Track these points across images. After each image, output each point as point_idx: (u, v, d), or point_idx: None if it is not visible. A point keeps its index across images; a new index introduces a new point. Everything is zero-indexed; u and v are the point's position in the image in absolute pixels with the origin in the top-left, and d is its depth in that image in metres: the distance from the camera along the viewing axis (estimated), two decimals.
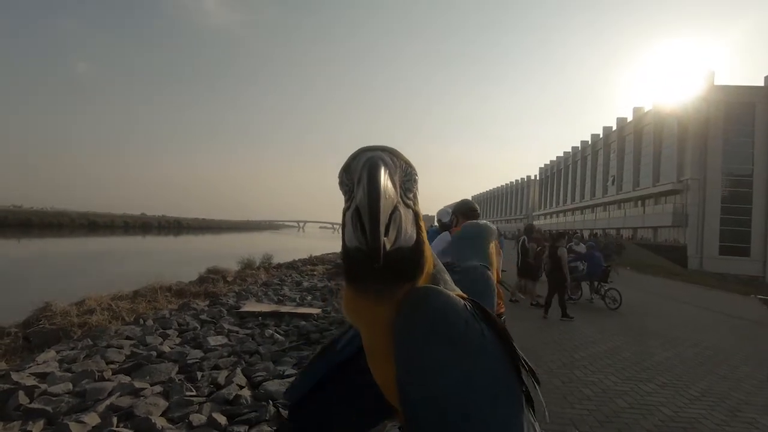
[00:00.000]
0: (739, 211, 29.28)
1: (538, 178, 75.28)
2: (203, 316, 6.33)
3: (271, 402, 3.36)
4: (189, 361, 4.26)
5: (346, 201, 0.64)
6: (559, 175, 61.55)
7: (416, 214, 0.66)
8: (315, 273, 13.26)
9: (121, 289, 8.25)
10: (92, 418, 2.95)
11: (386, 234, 0.56)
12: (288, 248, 28.56)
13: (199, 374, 3.91)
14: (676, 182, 31.87)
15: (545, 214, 65.34)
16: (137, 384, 3.56)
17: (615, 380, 4.41)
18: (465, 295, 0.69)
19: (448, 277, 0.72)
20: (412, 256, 0.64)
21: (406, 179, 0.65)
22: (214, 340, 5.03)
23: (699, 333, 7.21)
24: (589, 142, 50.54)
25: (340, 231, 0.67)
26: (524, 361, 0.67)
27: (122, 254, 25.07)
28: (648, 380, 4.47)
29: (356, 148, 0.65)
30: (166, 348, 4.71)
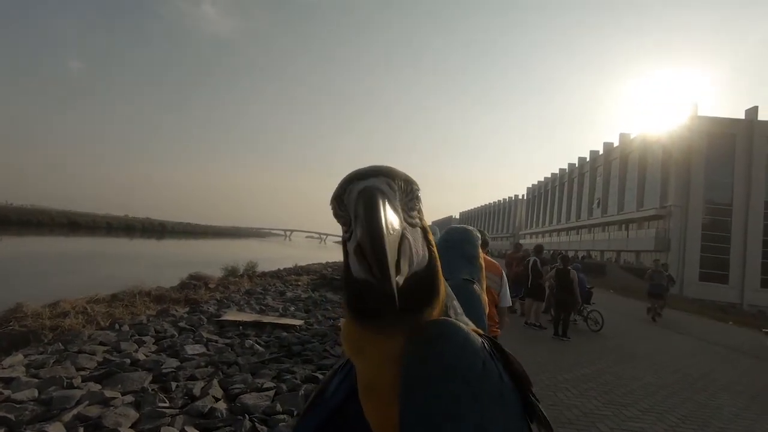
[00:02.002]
0: (718, 238, 29.97)
1: (525, 197, 76.23)
2: (182, 324, 6.16)
3: (247, 416, 3.25)
4: (164, 370, 4.11)
5: (345, 231, 0.58)
6: (546, 195, 62.44)
7: (424, 231, 0.60)
8: (299, 283, 13.09)
9: (99, 292, 8.00)
10: (57, 428, 2.81)
11: (398, 269, 0.50)
12: (273, 257, 28.22)
13: (173, 384, 3.77)
14: (659, 208, 32.56)
15: (532, 234, 65.99)
16: (108, 393, 3.41)
17: (597, 404, 4.39)
18: (480, 330, 0.61)
19: (456, 303, 0.65)
20: (427, 280, 0.58)
21: (408, 198, 0.58)
22: (191, 349, 4.89)
23: (680, 358, 7.26)
24: (576, 165, 51.51)
25: (345, 257, 0.60)
26: (541, 411, 0.61)
27: (102, 256, 24.46)
28: (630, 405, 4.45)
29: (349, 170, 0.58)
30: (141, 355, 4.55)
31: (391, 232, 0.49)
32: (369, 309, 0.56)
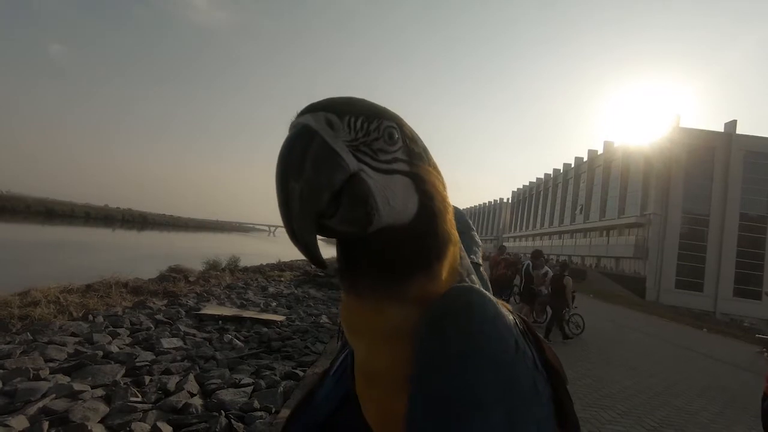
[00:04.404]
0: (695, 248, 30.72)
1: (510, 201, 77.10)
2: (159, 316, 5.99)
3: (223, 412, 3.15)
4: (138, 364, 3.98)
5: None
6: (531, 200, 63.21)
7: (415, 179, 0.48)
8: (282, 279, 12.94)
9: (73, 281, 7.74)
10: (20, 422, 2.66)
11: (334, 215, 0.43)
12: (257, 252, 27.85)
13: (147, 378, 3.64)
14: (639, 216, 33.22)
15: (515, 237, 66.75)
16: (77, 386, 3.27)
17: (576, 407, 4.39)
18: (508, 305, 0.51)
19: (476, 278, 0.53)
20: (414, 236, 0.47)
21: (371, 138, 0.46)
22: (167, 343, 4.74)
23: (657, 364, 7.38)
24: (561, 171, 52.25)
25: None
26: (573, 413, 0.52)
27: (79, 246, 23.79)
28: (608, 408, 4.49)
29: None
30: (114, 348, 4.39)
31: (304, 176, 0.42)
32: (350, 272, 0.47)
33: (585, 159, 46.07)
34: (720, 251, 30.13)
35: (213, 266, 13.98)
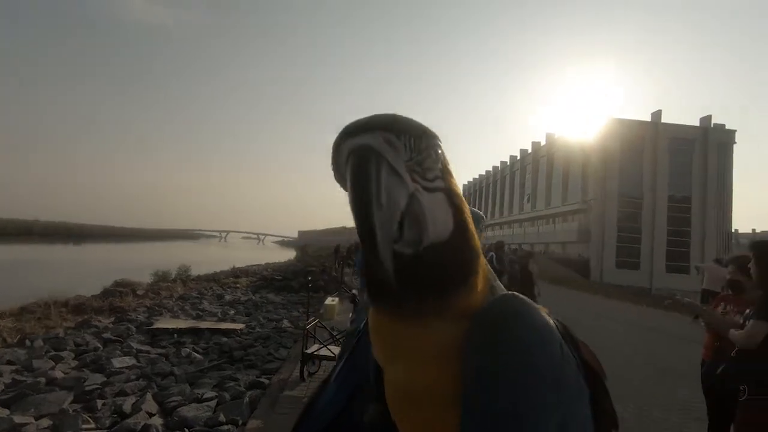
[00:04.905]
0: (631, 229, 33.10)
1: (464, 193, 79.24)
2: (107, 335, 5.63)
3: (186, 430, 3.02)
4: (87, 388, 3.72)
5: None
6: (482, 191, 65.25)
7: (450, 194, 0.48)
8: (238, 285, 12.56)
9: (2, 305, 7.08)
10: None
11: (401, 238, 0.42)
12: (209, 260, 26.77)
13: (99, 402, 3.42)
14: (581, 202, 35.27)
15: None
16: (18, 418, 3.01)
17: None
18: (545, 308, 0.51)
19: (499, 284, 0.54)
20: (453, 253, 0.46)
21: (422, 156, 0.46)
22: (119, 362, 4.47)
23: (608, 339, 7.88)
24: (508, 163, 54.39)
25: None
26: (611, 407, 0.53)
27: (7, 265, 21.75)
28: None
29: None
30: (58, 373, 4.07)
31: (384, 203, 0.41)
32: (390, 291, 0.45)
33: (529, 151, 48.24)
34: (653, 232, 32.66)
35: (162, 277, 13.33)
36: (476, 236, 0.51)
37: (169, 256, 23.92)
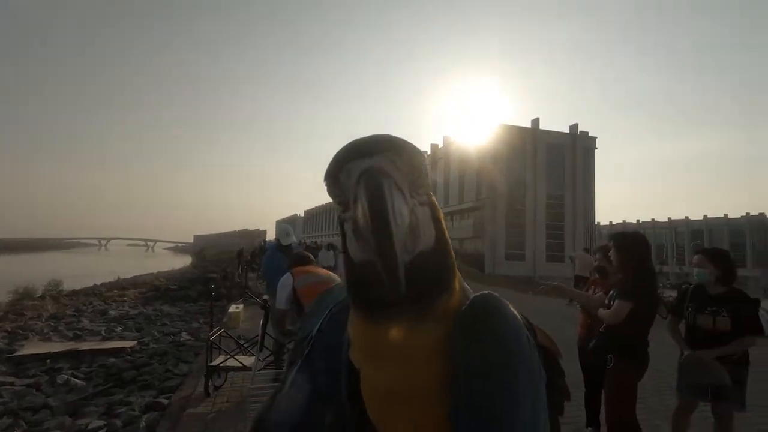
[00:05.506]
0: (516, 225, 36.86)
1: None
2: None
3: None
4: None
5: (342, 210, 0.52)
6: None
7: (432, 207, 0.53)
8: (125, 299, 11.27)
9: None
10: None
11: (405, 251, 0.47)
12: (87, 272, 23.51)
13: None
14: (475, 201, 38.28)
15: None
16: None
17: None
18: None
19: (466, 285, 0.59)
20: (436, 261, 0.51)
21: (416, 175, 0.51)
22: None
23: None
24: None
25: (343, 239, 0.53)
26: (563, 383, 0.62)
27: None
28: None
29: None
30: None
31: (399, 224, 0.45)
32: (375, 299, 0.49)
33: (428, 152, 50.97)
34: (535, 226, 36.73)
35: (25, 295, 11.44)
36: (450, 243, 0.56)
37: (36, 270, 20.51)
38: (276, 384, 3.11)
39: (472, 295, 0.55)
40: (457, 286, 0.55)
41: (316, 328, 0.65)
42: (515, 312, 0.55)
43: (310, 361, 0.63)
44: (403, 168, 0.50)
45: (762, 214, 49.46)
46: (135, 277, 18.74)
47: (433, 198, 0.55)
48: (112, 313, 8.93)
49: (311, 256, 3.42)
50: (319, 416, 0.60)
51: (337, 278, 3.20)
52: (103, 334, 6.76)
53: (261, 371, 3.41)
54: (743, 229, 49.04)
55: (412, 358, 0.51)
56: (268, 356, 3.73)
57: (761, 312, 2.47)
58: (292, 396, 0.62)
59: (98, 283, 15.36)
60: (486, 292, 0.55)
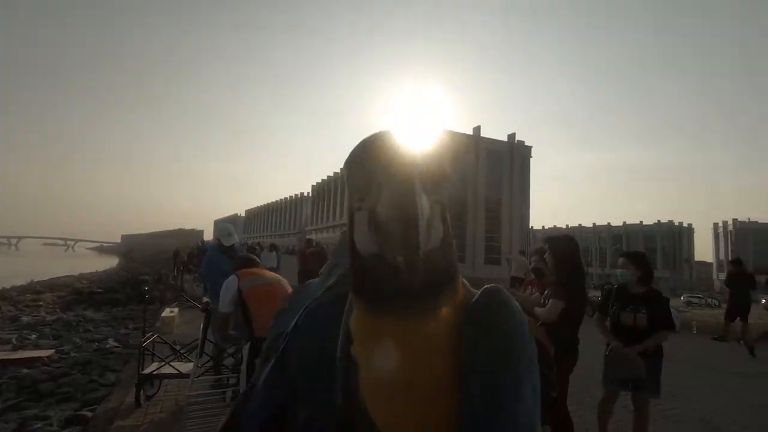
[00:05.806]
0: (458, 227, 38.26)
1: (311, 194, 79.39)
2: None
3: None
4: None
5: (357, 198, 0.52)
6: (330, 192, 66.55)
7: (443, 206, 0.54)
8: (41, 303, 10.24)
9: None
10: None
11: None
12: None
13: None
14: None
15: (317, 230, 69.20)
16: None
17: None
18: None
19: (465, 281, 0.61)
20: (445, 254, 0.53)
21: (431, 174, 0.52)
22: None
23: None
24: None
25: (350, 229, 0.53)
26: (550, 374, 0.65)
27: None
28: None
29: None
30: None
31: (423, 217, 0.47)
32: (383, 293, 0.50)
33: None
34: (475, 229, 38.28)
35: None
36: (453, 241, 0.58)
37: None
38: (216, 390, 2.99)
39: (474, 291, 0.58)
40: (460, 282, 0.57)
41: (292, 324, 0.64)
42: (517, 304, 0.57)
43: (285, 358, 0.63)
44: (422, 167, 0.51)
45: (671, 221, 55.30)
46: (52, 279, 17.06)
47: (446, 200, 0.57)
48: (25, 319, 8.07)
49: (257, 258, 3.34)
50: (293, 412, 0.60)
51: (284, 280, 3.14)
52: (14, 342, 6.08)
53: (199, 377, 3.25)
54: (655, 235, 54.54)
55: (419, 352, 0.51)
56: (207, 362, 3.57)
57: (672, 310, 2.76)
58: (266, 391, 0.62)
59: (7, 286, 13.79)
60: (493, 285, 0.57)
